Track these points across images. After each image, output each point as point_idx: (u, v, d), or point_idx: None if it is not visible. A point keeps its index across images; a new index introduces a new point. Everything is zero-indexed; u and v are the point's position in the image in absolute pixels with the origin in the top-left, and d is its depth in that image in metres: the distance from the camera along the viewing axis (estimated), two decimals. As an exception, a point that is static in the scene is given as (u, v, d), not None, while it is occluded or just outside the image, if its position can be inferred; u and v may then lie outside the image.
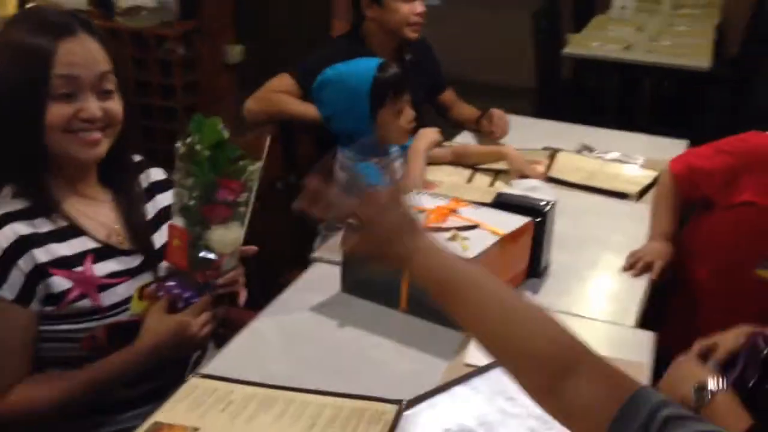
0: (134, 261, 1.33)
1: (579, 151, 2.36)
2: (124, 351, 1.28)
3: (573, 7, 5.01)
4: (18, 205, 1.25)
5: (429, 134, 2.07)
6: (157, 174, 1.47)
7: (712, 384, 1.15)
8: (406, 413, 1.17)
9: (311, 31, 3.60)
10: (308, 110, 2.13)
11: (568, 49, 3.97)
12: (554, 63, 4.11)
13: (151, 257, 1.35)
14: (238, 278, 1.37)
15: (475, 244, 1.42)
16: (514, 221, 1.53)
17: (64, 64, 1.21)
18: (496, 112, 2.40)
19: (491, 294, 0.90)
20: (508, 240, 1.48)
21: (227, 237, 1.28)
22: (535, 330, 0.85)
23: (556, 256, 1.68)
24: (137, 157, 1.46)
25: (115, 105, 1.28)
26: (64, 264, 1.25)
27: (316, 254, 1.74)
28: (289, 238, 2.32)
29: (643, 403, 0.76)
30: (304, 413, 1.16)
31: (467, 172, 2.16)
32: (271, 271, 1.67)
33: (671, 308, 1.87)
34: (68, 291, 1.25)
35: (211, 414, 1.16)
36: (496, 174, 2.15)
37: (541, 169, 2.17)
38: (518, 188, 1.85)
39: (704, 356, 1.27)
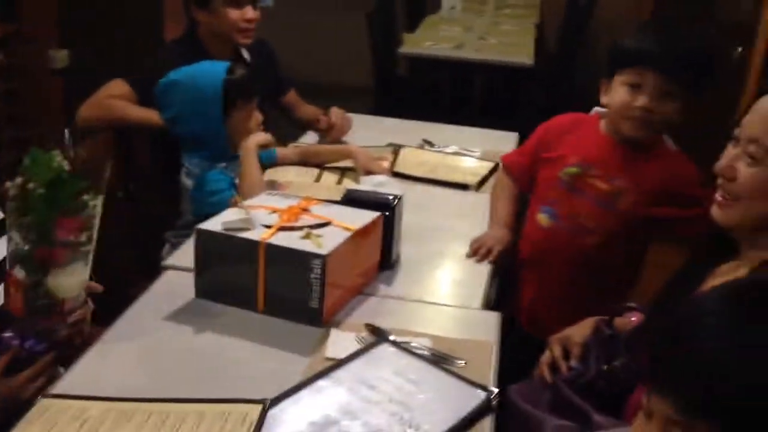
0: None
1: (420, 147, 2.45)
2: None
3: (406, 7, 5.17)
4: None
5: (256, 133, 2.04)
6: None
7: None
8: (271, 411, 1.17)
9: (140, 34, 3.47)
10: (149, 115, 2.06)
11: (403, 49, 4.10)
12: (390, 62, 4.24)
13: None
14: (85, 316, 1.31)
15: (328, 241, 1.45)
16: (365, 216, 1.57)
17: None
18: (336, 111, 2.43)
19: None
20: (359, 235, 1.52)
21: (69, 281, 1.21)
22: None
23: (406, 247, 1.74)
24: None
25: None
26: None
27: (166, 262, 1.69)
28: (132, 248, 2.24)
29: None
30: (165, 423, 1.14)
31: (315, 172, 2.18)
32: (118, 282, 1.61)
33: (516, 287, 1.98)
34: None
35: (67, 434, 1.10)
36: (343, 172, 2.19)
37: (386, 165, 2.23)
38: (366, 185, 1.90)
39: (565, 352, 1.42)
